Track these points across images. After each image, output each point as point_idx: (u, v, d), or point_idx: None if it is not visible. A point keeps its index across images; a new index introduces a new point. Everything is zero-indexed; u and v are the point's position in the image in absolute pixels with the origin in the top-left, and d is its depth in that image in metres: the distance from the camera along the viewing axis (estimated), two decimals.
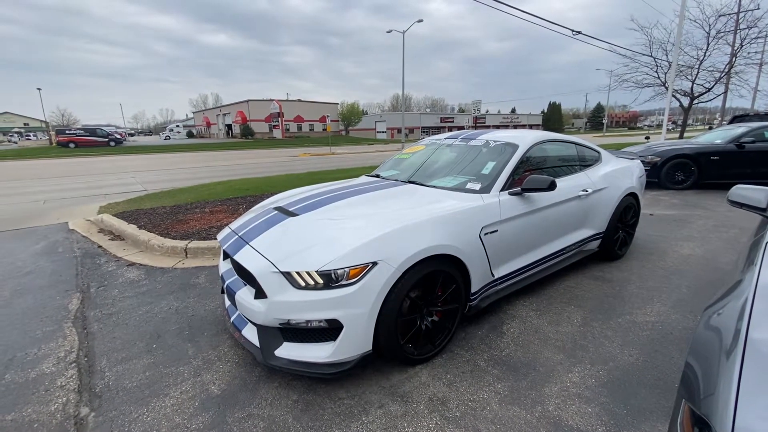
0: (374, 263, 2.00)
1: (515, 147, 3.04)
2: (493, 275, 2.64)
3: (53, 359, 2.43)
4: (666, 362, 2.26)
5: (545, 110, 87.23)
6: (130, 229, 5.08)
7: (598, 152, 3.91)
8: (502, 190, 2.76)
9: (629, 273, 3.60)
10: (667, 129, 17.06)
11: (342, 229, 2.25)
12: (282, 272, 2.03)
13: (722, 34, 20.60)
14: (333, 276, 1.97)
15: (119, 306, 3.15)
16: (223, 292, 2.89)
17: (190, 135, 69.97)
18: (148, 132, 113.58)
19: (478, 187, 2.79)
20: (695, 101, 21.89)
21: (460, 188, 2.85)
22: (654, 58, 21.24)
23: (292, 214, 2.52)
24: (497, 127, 75.30)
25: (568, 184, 3.22)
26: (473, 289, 2.50)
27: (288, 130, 53.41)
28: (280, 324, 2.05)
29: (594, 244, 3.66)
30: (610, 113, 66.45)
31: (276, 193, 7.15)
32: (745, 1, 19.56)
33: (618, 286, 3.31)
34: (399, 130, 65.20)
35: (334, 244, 2.08)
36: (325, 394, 2.07)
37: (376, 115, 73.31)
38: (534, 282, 3.07)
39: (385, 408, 1.95)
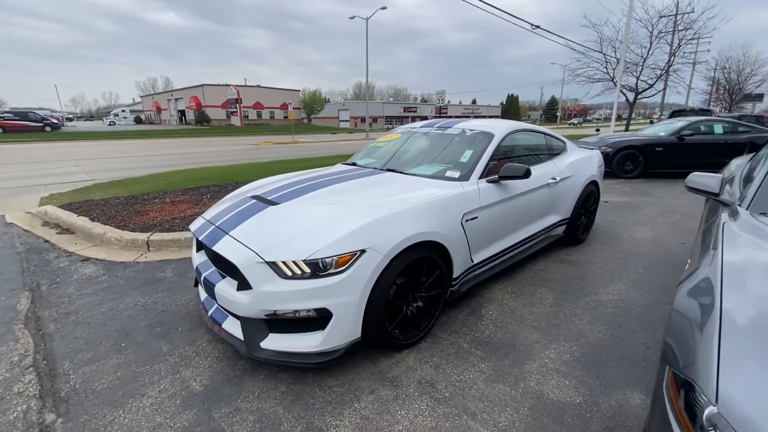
0: (362, 251, 1.99)
1: (491, 136, 3.12)
2: (472, 260, 2.72)
3: (5, 364, 2.21)
4: (630, 336, 2.46)
5: (504, 102, 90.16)
6: (81, 221, 4.68)
7: (564, 142, 4.10)
8: (481, 177, 2.83)
9: (591, 256, 3.85)
10: (610, 122, 18.17)
11: (326, 217, 2.21)
12: (267, 262, 1.96)
13: (663, 35, 22.15)
14: (321, 265, 1.94)
15: (77, 304, 2.92)
16: (197, 285, 2.78)
17: (138, 121, 65.23)
18: (90, 117, 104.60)
19: (457, 174, 2.84)
20: (639, 96, 23.51)
21: (440, 176, 2.89)
22: (604, 54, 22.45)
23: (272, 203, 2.44)
24: (458, 117, 76.92)
25: (539, 172, 3.36)
26: (455, 275, 2.57)
27: (247, 117, 51.29)
28: (266, 315, 2.00)
29: (560, 230, 3.87)
30: (563, 106, 69.99)
31: (242, 183, 6.90)
32: (683, 4, 21.08)
33: (582, 269, 3.53)
34: (362, 119, 64.65)
35: (321, 233, 2.04)
36: (314, 384, 2.05)
37: (339, 103, 72.19)
38: (507, 266, 3.20)
39: (376, 393, 1.97)
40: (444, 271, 2.44)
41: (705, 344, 1.03)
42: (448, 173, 2.89)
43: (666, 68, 22.24)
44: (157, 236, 4.16)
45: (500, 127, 3.26)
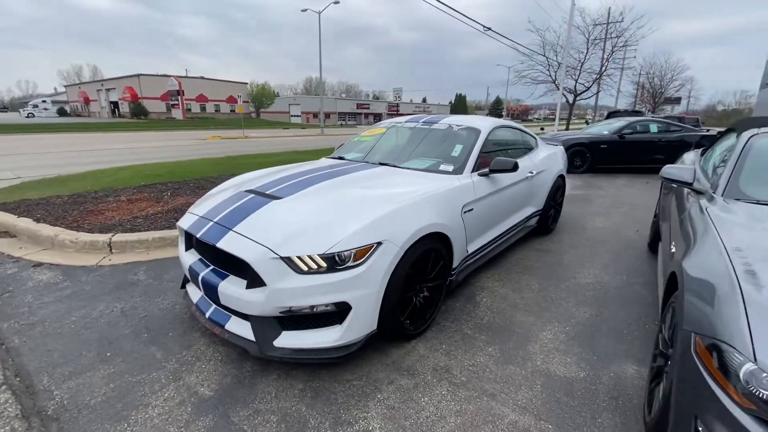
0: (379, 243, 1.99)
1: (478, 131, 3.24)
2: (467, 251, 2.82)
3: None
4: (612, 315, 2.70)
5: (452, 101, 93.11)
6: (24, 222, 4.16)
7: (535, 138, 4.36)
8: (473, 171, 2.93)
9: (562, 245, 4.15)
10: (547, 122, 19.56)
11: (336, 211, 2.18)
12: (282, 258, 1.90)
13: (597, 41, 24.14)
14: (337, 258, 1.91)
15: (41, 314, 2.60)
16: (183, 286, 2.61)
17: (62, 113, 58.62)
18: (3, 108, 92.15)
19: (451, 168, 2.92)
20: (578, 98, 25.43)
21: (434, 170, 2.96)
22: (547, 58, 24.00)
23: (274, 197, 2.35)
24: (409, 114, 78.00)
25: (520, 166, 3.55)
26: (454, 264, 2.65)
27: (189, 110, 48.18)
28: (281, 312, 1.93)
29: (534, 221, 4.12)
30: (507, 106, 73.75)
31: (203, 180, 6.52)
32: (616, 13, 23.09)
33: (557, 256, 3.80)
34: (315, 115, 63.41)
35: (336, 226, 2.01)
36: (331, 379, 2.02)
37: (289, 98, 70.17)
38: (492, 256, 3.35)
39: (395, 383, 1.99)
40: (446, 261, 2.51)
41: (732, 312, 1.18)
42: (442, 167, 2.96)
43: (600, 73, 24.31)
44: (121, 237, 3.82)
45: (485, 123, 3.39)
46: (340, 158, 3.56)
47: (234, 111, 50.33)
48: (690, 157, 3.58)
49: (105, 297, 2.86)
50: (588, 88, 24.73)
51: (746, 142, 2.25)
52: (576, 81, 24.31)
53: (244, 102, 24.85)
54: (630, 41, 23.00)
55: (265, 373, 2.07)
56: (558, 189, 4.45)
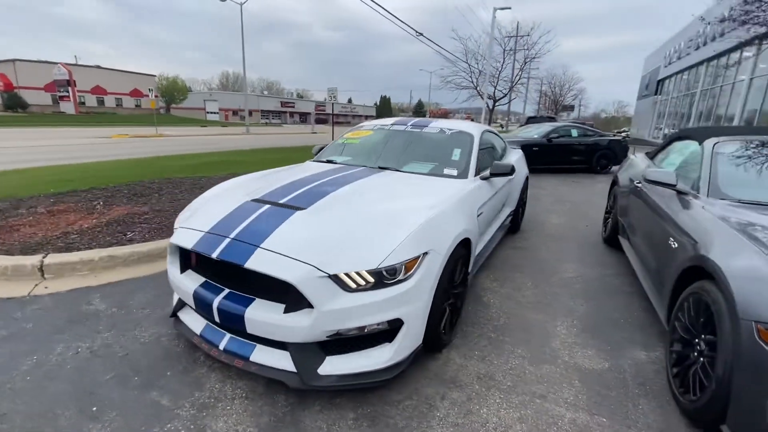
0: (425, 253, 1.91)
1: (471, 136, 3.31)
2: (475, 253, 2.85)
3: None
4: (604, 306, 2.95)
5: (377, 103, 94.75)
6: None
7: (505, 142, 4.60)
8: (475, 175, 2.98)
9: (534, 242, 4.44)
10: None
11: (371, 221, 2.04)
12: (330, 276, 1.71)
13: (511, 51, 26.45)
14: (386, 272, 1.78)
15: None
16: (174, 315, 2.23)
17: None
18: None
19: (455, 172, 2.93)
20: (496, 104, 27.62)
21: (437, 174, 2.94)
22: (469, 65, 25.65)
23: (297, 208, 2.11)
24: (337, 115, 77.46)
25: None
26: (469, 269, 2.66)
27: (83, 103, 41.76)
28: (327, 336, 1.74)
29: (509, 220, 4.34)
30: (429, 110, 77.32)
31: (138, 185, 5.66)
32: (527, 27, 25.50)
33: (535, 253, 4.05)
34: (234, 112, 59.51)
35: (381, 238, 1.88)
36: (380, 402, 1.88)
37: (204, 93, 64.86)
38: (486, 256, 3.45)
39: (448, 397, 1.92)
40: (469, 267, 2.51)
41: None
42: (446, 171, 2.96)
43: (515, 81, 26.74)
44: (55, 258, 3.13)
45: (474, 128, 3.47)
46: (330, 162, 3.36)
47: (140, 106, 44.94)
48: (639, 161, 4.09)
49: (59, 335, 2.31)
50: (505, 95, 27.02)
51: (713, 149, 2.62)
52: (495, 88, 26.40)
53: (155, 96, 22.23)
54: (539, 53, 25.63)
55: (305, 405, 1.85)
56: (525, 190, 4.76)
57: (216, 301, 1.87)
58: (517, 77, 26.23)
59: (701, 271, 1.94)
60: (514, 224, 4.49)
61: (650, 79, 27.42)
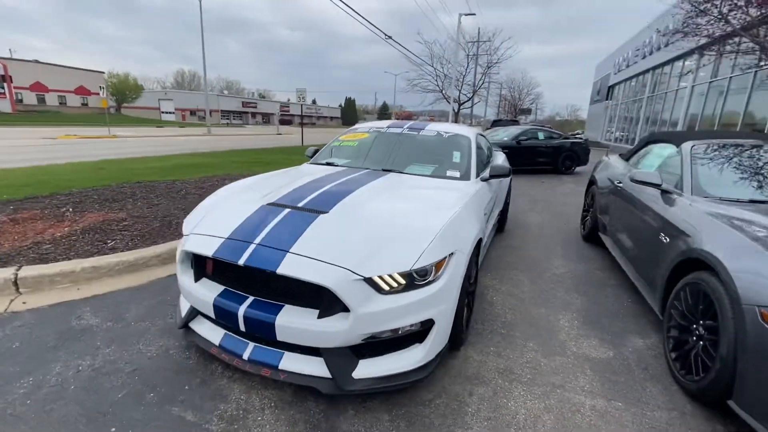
0: (452, 254, 1.95)
1: (468, 138, 3.41)
2: (483, 253, 2.95)
3: None
4: (597, 298, 3.14)
5: (342, 104, 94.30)
6: None
7: (490, 144, 4.77)
8: (476, 177, 3.07)
9: (520, 240, 4.63)
10: None
11: (397, 222, 2.05)
12: (365, 279, 1.71)
13: (474, 56, 27.30)
14: (416, 274, 1.81)
15: None
16: (185, 326, 2.14)
17: None
18: None
19: (458, 174, 3.01)
20: (461, 107, 28.39)
21: (440, 175, 3.01)
22: (435, 69, 26.20)
23: (319, 211, 2.08)
24: (301, 116, 76.18)
25: None
26: (479, 267, 2.74)
27: (21, 101, 38.25)
28: (363, 340, 1.74)
29: (496, 220, 4.50)
30: (394, 112, 78.01)
31: (108, 189, 5.29)
32: (489, 33, 26.40)
33: (524, 251, 4.23)
34: (192, 112, 56.95)
35: (408, 240, 1.90)
36: (411, 402, 1.90)
37: (159, 91, 61.58)
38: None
39: (475, 393, 1.98)
40: (478, 266, 2.59)
41: None
42: (449, 173, 3.03)
43: (479, 85, 27.64)
44: (31, 270, 2.88)
45: (469, 131, 3.58)
46: (330, 164, 3.33)
47: (87, 105, 41.82)
48: (615, 161, 4.38)
49: (53, 354, 2.13)
50: (469, 99, 27.86)
51: (691, 151, 2.87)
52: (459, 92, 27.16)
53: (110, 95, 20.80)
54: (501, 59, 26.67)
55: (338, 410, 1.83)
56: (509, 191, 4.95)
57: (241, 310, 1.81)
58: (481, 81, 27.14)
59: (696, 262, 2.13)
60: (501, 224, 4.67)
61: (601, 85, 29.32)
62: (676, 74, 16.22)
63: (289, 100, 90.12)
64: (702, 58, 11.67)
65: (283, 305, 1.82)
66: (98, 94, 41.25)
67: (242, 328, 1.84)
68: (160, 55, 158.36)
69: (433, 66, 26.04)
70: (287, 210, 2.10)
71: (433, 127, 3.60)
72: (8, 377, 1.93)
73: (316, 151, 3.81)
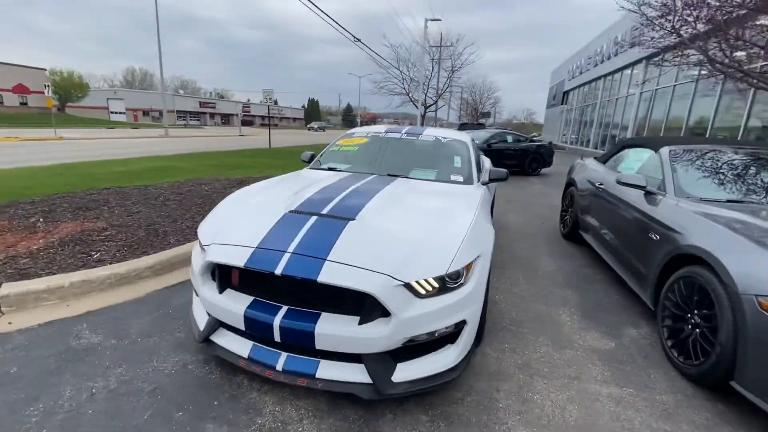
0: (478, 256, 2.04)
1: (466, 144, 3.53)
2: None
3: None
4: (587, 292, 3.36)
5: (305, 105, 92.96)
6: None
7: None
8: (478, 180, 3.19)
9: (506, 239, 4.83)
10: None
11: (423, 227, 2.11)
12: (405, 284, 1.75)
13: (438, 60, 27.92)
14: (450, 277, 1.87)
15: None
16: (206, 340, 2.07)
17: None
18: None
19: (461, 179, 3.11)
20: (427, 110, 28.94)
21: (444, 180, 3.09)
22: (401, 72, 26.55)
23: (346, 218, 2.08)
24: (263, 117, 74.15)
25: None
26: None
27: None
28: (402, 344, 1.78)
29: None
30: (359, 114, 77.93)
31: (76, 196, 4.92)
32: (453, 38, 27.10)
33: (513, 251, 4.43)
34: (145, 112, 53.83)
35: (440, 244, 1.96)
36: (445, 402, 1.96)
37: (108, 90, 57.69)
38: None
39: (502, 389, 2.07)
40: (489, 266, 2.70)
41: None
42: (452, 177, 3.12)
43: (443, 89, 28.33)
44: (13, 288, 2.65)
45: (464, 136, 3.71)
46: (332, 169, 3.32)
47: (26, 104, 38.31)
48: (593, 164, 4.69)
49: (58, 377, 1.98)
50: (434, 102, 28.47)
51: (669, 156, 3.15)
52: (425, 95, 27.68)
53: (44, 93, 19.17)
54: (465, 63, 27.50)
55: (377, 415, 1.85)
56: (495, 193, 5.15)
57: (276, 320, 1.79)
58: (445, 85, 27.84)
59: (687, 257, 2.35)
60: None
61: (557, 90, 31.02)
62: (625, 81, 17.52)
63: (249, 100, 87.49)
64: (648, 68, 12.70)
65: (320, 313, 1.81)
66: (41, 92, 38.10)
67: (277, 338, 1.81)
68: (105, 51, 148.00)
69: (399, 69, 26.40)
70: (314, 217, 2.09)
71: (431, 132, 3.69)
72: (14, 405, 1.78)
73: (313, 156, 3.78)
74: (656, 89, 14.37)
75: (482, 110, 48.40)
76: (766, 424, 1.90)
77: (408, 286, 1.77)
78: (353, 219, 2.08)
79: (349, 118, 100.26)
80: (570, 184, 5.02)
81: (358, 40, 17.45)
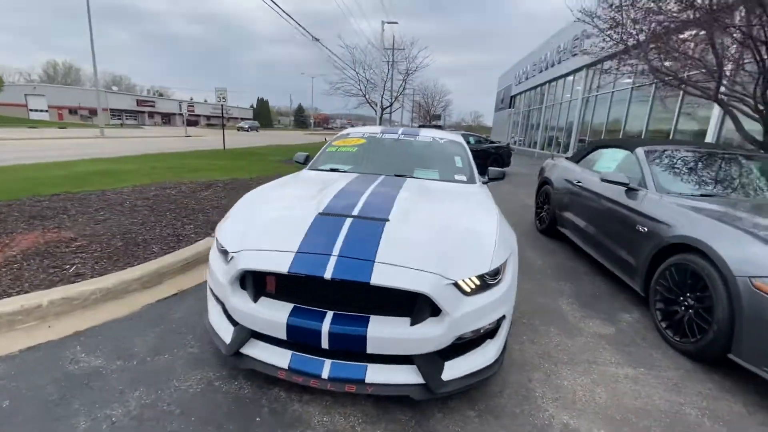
0: (511, 253, 2.11)
1: (462, 144, 3.63)
2: None
3: None
4: (579, 284, 3.60)
5: (254, 105, 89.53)
6: None
7: None
8: (479, 180, 3.29)
9: None
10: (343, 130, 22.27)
11: (455, 226, 2.14)
12: (453, 283, 1.78)
13: (395, 63, 28.29)
14: (490, 275, 1.92)
15: None
16: (236, 353, 1.95)
17: None
18: None
19: (465, 179, 3.20)
20: (384, 112, 29.19)
21: (449, 179, 3.16)
22: (357, 73, 26.56)
23: (381, 219, 2.06)
24: (208, 117, 70.18)
25: None
26: None
27: None
28: (453, 342, 1.80)
29: None
30: (313, 114, 76.67)
31: (24, 204, 4.35)
32: (407, 42, 27.57)
33: None
34: (72, 110, 48.77)
35: (476, 243, 2.01)
36: (486, 397, 2.00)
37: (25, 85, 51.48)
38: None
39: (534, 379, 2.16)
40: None
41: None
42: (456, 177, 3.20)
43: (399, 92, 28.75)
44: None
45: (458, 137, 3.80)
46: (335, 170, 3.25)
47: None
48: (564, 164, 5.01)
49: (65, 408, 1.76)
50: (391, 104, 28.81)
51: (645, 155, 3.47)
52: (381, 97, 27.92)
53: None
54: (419, 67, 28.12)
55: (427, 415, 1.85)
56: None
57: (325, 327, 1.72)
58: (401, 88, 28.29)
59: (677, 246, 2.61)
60: None
61: (504, 94, 32.72)
62: (568, 87, 18.94)
63: (192, 99, 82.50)
64: (589, 75, 13.83)
65: (369, 317, 1.78)
66: None
67: (325, 345, 1.75)
68: (22, 43, 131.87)
69: (355, 70, 26.39)
70: (349, 219, 2.04)
71: (427, 133, 3.75)
72: None
73: (308, 157, 3.67)
74: (597, 95, 15.69)
75: (434, 112, 49.74)
76: (758, 389, 2.17)
77: (456, 285, 1.79)
78: (387, 220, 2.06)
79: (301, 119, 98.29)
80: (545, 182, 5.33)
81: (317, 40, 17.17)
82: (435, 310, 1.76)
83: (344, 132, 3.98)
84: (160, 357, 2.15)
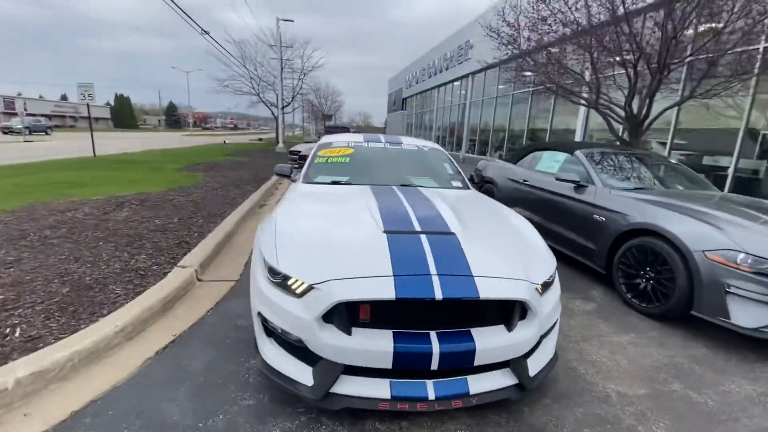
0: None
1: (442, 151, 3.83)
2: None
3: None
4: (578, 282, 4.12)
5: (111, 102, 75.96)
6: None
7: None
8: (469, 185, 3.54)
9: None
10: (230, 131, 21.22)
11: (507, 234, 2.36)
12: (537, 287, 1.95)
13: (288, 62, 27.33)
14: (550, 278, 2.16)
15: None
16: (326, 394, 1.81)
17: None
18: None
19: (460, 185, 3.40)
20: (283, 111, 27.99)
21: (448, 186, 3.32)
22: (248, 70, 24.91)
23: (448, 233, 2.09)
24: (50, 117, 56.57)
25: None
26: None
27: None
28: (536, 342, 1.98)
29: None
30: (190, 113, 68.44)
31: None
32: (290, 38, 26.66)
33: None
34: None
35: (533, 249, 2.25)
36: (551, 385, 2.21)
37: None
38: None
39: (572, 359, 2.47)
40: None
41: (731, 230, 2.68)
42: (453, 183, 3.38)
43: (296, 91, 27.88)
44: None
45: (435, 144, 3.99)
46: (334, 183, 3.11)
47: None
48: (503, 165, 5.63)
49: None
50: (289, 104, 27.76)
51: (585, 156, 4.18)
52: (278, 96, 26.67)
53: None
54: (315, 66, 27.64)
55: (515, 411, 1.99)
56: None
57: (435, 348, 1.71)
58: (299, 87, 27.50)
59: (637, 231, 3.25)
60: None
61: (396, 97, 34.57)
62: (456, 92, 21.02)
63: (20, 93, 65.56)
64: (473, 81, 15.55)
65: (469, 330, 1.82)
66: None
67: (434, 366, 1.73)
68: None
69: (246, 67, 24.63)
70: (423, 236, 2.03)
71: (409, 141, 3.85)
72: None
73: (292, 169, 3.41)
74: (483, 99, 17.78)
75: (327, 112, 49.61)
76: (714, 333, 2.86)
77: (537, 289, 1.96)
78: (453, 233, 2.12)
79: (174, 118, 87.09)
80: (486, 182, 5.86)
81: (207, 32, 15.49)
82: (522, 314, 1.90)
83: (325, 141, 3.80)
84: (215, 421, 1.82)
